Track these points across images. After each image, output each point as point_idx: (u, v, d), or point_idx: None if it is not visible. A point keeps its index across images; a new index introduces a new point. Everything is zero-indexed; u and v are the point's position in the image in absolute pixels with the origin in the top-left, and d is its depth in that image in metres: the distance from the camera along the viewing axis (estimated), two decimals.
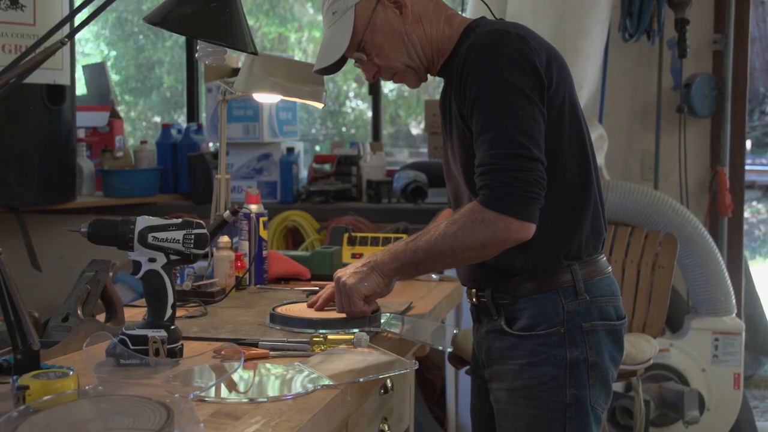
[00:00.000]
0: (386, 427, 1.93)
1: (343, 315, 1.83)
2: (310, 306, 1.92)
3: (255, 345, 1.67)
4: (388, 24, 1.78)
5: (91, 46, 7.32)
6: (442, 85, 1.91)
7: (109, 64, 6.20)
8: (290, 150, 4.06)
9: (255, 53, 2.00)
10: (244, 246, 2.31)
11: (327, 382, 1.43)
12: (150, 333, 1.53)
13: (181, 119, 6.04)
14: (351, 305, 1.77)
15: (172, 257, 1.56)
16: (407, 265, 1.74)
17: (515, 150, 1.61)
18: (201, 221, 1.60)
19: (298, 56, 7.02)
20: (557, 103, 1.71)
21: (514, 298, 1.77)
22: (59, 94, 3.60)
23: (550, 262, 1.73)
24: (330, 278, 2.32)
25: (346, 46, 1.78)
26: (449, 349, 2.38)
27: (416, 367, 1.63)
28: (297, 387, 1.41)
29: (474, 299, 1.85)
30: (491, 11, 1.92)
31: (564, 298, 1.74)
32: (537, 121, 1.66)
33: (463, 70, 1.69)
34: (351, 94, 7.38)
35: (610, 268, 1.83)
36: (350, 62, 1.88)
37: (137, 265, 1.56)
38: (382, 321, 1.85)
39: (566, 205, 1.72)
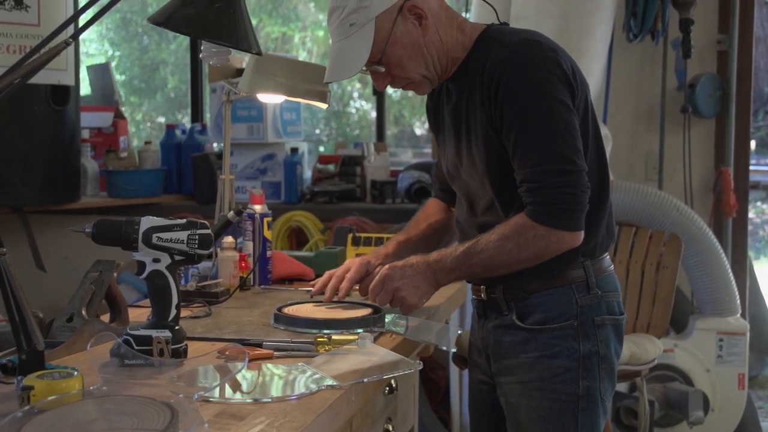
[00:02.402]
0: (390, 428, 1.93)
1: (347, 315, 1.85)
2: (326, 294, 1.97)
3: (259, 345, 1.67)
4: (407, 36, 1.76)
5: (95, 46, 7.32)
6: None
7: (113, 64, 6.19)
8: (294, 150, 4.05)
9: (259, 53, 2.00)
10: (249, 246, 2.31)
11: (331, 382, 1.43)
12: (154, 333, 1.54)
13: (186, 120, 6.05)
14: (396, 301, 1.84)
15: (177, 258, 1.56)
16: (461, 277, 1.85)
17: (561, 166, 1.66)
18: (205, 221, 1.60)
19: (302, 56, 7.03)
20: (582, 109, 1.75)
21: (525, 293, 1.80)
22: (63, 94, 3.60)
23: (566, 261, 1.76)
24: None
25: (365, 58, 1.75)
26: (453, 350, 2.38)
27: (420, 368, 1.64)
28: (301, 387, 1.41)
29: (483, 295, 1.87)
30: (497, 14, 1.92)
31: (577, 292, 1.78)
32: (576, 129, 1.69)
33: (500, 83, 1.69)
34: (355, 95, 7.37)
35: (612, 266, 1.88)
36: None
37: (141, 266, 1.56)
38: (386, 321, 1.85)
39: None
